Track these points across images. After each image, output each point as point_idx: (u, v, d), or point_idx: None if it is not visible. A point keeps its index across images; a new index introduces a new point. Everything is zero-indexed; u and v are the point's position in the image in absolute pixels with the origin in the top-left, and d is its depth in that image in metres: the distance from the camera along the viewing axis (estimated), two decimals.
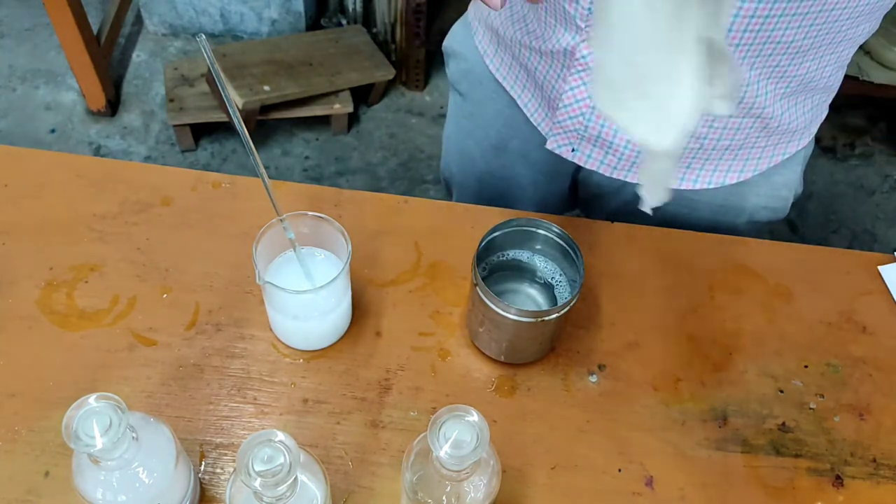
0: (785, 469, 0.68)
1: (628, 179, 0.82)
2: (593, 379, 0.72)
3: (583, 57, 0.73)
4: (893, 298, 0.80)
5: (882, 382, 0.74)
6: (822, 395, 0.73)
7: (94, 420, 0.48)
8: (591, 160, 0.81)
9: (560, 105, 0.78)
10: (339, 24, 2.19)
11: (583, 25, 0.70)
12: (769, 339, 0.76)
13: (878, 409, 0.72)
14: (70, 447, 0.48)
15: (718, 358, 0.74)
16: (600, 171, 0.82)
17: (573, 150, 0.81)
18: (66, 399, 0.50)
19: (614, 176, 0.82)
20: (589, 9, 0.69)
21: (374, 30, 2.13)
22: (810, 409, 0.72)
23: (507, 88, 0.86)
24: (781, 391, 0.73)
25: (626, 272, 0.79)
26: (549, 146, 0.82)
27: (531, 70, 0.81)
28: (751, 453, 0.69)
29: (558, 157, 0.83)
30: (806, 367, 0.74)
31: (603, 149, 0.79)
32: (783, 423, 0.71)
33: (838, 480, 0.68)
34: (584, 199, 0.98)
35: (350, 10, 2.15)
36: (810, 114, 0.80)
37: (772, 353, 0.75)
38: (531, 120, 0.84)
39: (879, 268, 0.82)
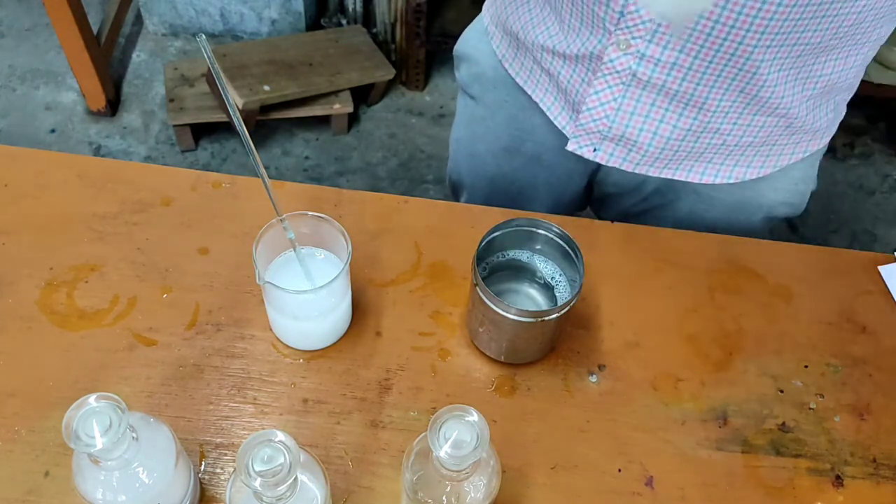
0: (785, 469, 0.68)
1: (650, 174, 0.82)
2: (593, 379, 0.72)
3: (610, 61, 0.73)
4: (893, 298, 0.80)
5: (882, 382, 0.74)
6: (822, 395, 0.73)
7: (94, 420, 0.48)
8: (613, 158, 0.81)
9: (584, 108, 0.78)
10: (339, 24, 2.19)
11: (612, 29, 0.70)
12: (769, 339, 0.76)
13: (878, 409, 0.72)
14: (70, 447, 0.48)
15: (718, 358, 0.74)
16: (623, 168, 0.82)
17: (595, 150, 0.81)
18: (66, 399, 0.50)
19: (637, 171, 0.82)
20: (620, 12, 0.68)
21: (374, 30, 2.13)
22: (810, 409, 0.72)
23: (529, 92, 0.86)
24: (781, 391, 0.73)
25: (626, 272, 0.79)
26: (570, 147, 0.82)
27: (554, 74, 0.80)
28: (751, 453, 0.69)
29: (574, 158, 0.82)
30: (806, 367, 0.74)
31: (626, 147, 0.79)
32: (783, 423, 0.71)
33: (838, 480, 0.68)
34: (599, 197, 0.97)
35: (350, 10, 2.15)
36: (832, 114, 0.81)
37: (772, 353, 0.75)
38: (555, 123, 0.84)
39: (879, 268, 0.82)
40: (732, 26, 0.66)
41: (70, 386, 0.68)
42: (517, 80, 0.86)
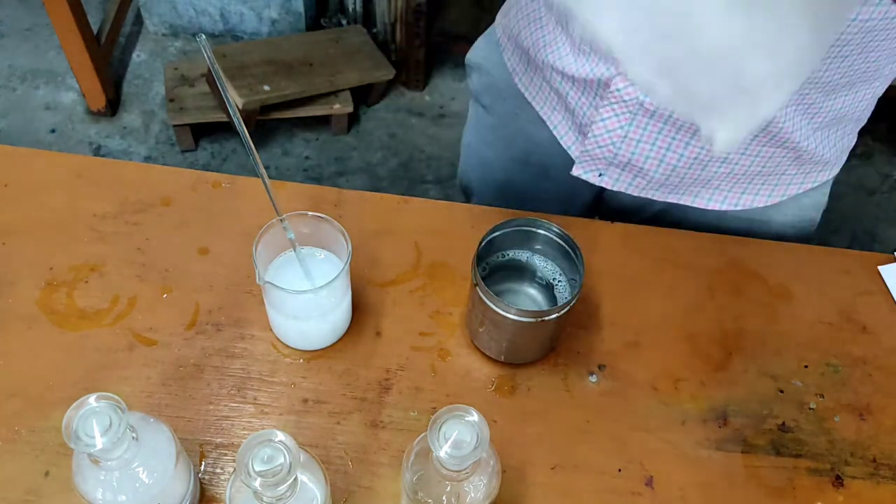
0: (785, 469, 0.68)
1: (656, 198, 0.82)
2: (593, 379, 0.72)
3: (617, 90, 0.73)
4: (893, 298, 0.80)
5: (882, 382, 0.74)
6: (822, 395, 0.73)
7: (94, 420, 0.48)
8: (619, 183, 0.82)
9: (590, 133, 0.78)
10: (339, 24, 2.18)
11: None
12: (769, 339, 0.76)
13: (878, 409, 0.72)
14: (70, 447, 0.48)
15: (718, 358, 0.74)
16: (628, 193, 0.82)
17: (600, 175, 0.82)
18: (66, 399, 0.50)
19: (643, 195, 0.82)
20: None
21: (374, 30, 2.13)
22: (810, 409, 0.72)
23: (537, 108, 0.86)
24: (781, 391, 0.73)
25: (626, 272, 0.79)
26: (574, 172, 0.82)
27: (562, 94, 0.80)
28: (751, 453, 0.69)
29: None
30: (806, 367, 0.74)
31: (632, 172, 0.80)
32: (783, 423, 0.71)
33: (838, 480, 0.68)
34: (607, 213, 0.97)
35: (350, 10, 2.15)
36: (842, 143, 0.80)
37: (772, 353, 0.75)
38: (561, 143, 0.84)
39: (879, 268, 0.82)
40: None
41: (70, 386, 0.68)
42: (526, 95, 0.86)
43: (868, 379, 0.74)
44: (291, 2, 2.12)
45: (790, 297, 0.79)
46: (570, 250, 0.69)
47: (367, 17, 2.16)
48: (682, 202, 0.82)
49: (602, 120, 0.76)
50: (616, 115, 0.75)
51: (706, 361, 0.74)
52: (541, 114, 0.85)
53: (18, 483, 0.62)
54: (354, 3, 2.13)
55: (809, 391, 0.73)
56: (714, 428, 0.70)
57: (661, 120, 0.74)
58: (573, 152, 0.82)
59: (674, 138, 0.75)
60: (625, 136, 0.76)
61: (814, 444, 0.70)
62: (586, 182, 0.88)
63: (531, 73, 0.84)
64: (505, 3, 0.88)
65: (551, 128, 0.84)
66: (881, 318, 0.78)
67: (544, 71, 0.81)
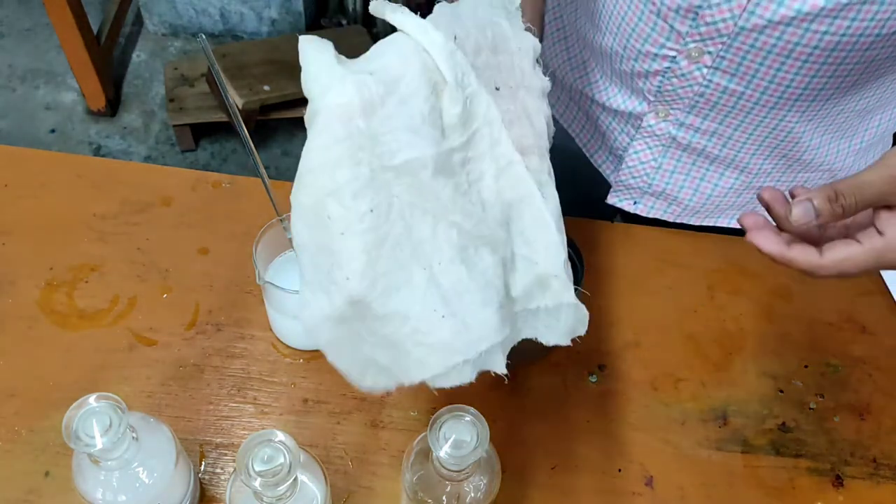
0: (785, 469, 0.68)
1: (692, 223, 0.82)
2: (593, 379, 0.72)
3: (649, 125, 0.74)
4: (893, 298, 0.80)
5: (882, 382, 0.74)
6: (822, 395, 0.73)
7: (94, 420, 0.48)
8: (654, 210, 0.82)
9: (623, 166, 0.79)
10: (339, 24, 2.19)
11: (651, 99, 0.71)
12: (769, 339, 0.76)
13: (878, 409, 0.72)
14: (70, 447, 0.48)
15: (718, 358, 0.74)
16: (664, 219, 0.83)
17: (634, 203, 0.82)
18: (66, 399, 0.50)
19: (678, 221, 0.82)
20: (658, 87, 0.69)
21: (375, 30, 2.13)
22: (810, 409, 0.72)
23: (574, 135, 0.85)
24: (781, 391, 0.73)
25: (626, 272, 0.79)
26: (609, 200, 0.83)
27: (592, 118, 0.81)
28: (751, 453, 0.69)
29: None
30: (806, 367, 0.74)
31: (667, 201, 0.80)
32: (783, 423, 0.71)
33: (838, 480, 0.68)
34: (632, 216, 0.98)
35: (350, 10, 2.15)
36: (876, 151, 0.80)
37: (772, 353, 0.75)
38: (600, 170, 0.85)
39: None
40: (773, 107, 0.66)
41: (70, 386, 0.68)
42: (561, 122, 0.85)
43: (868, 379, 0.74)
44: (291, 2, 2.12)
45: (790, 297, 0.79)
46: (570, 250, 0.69)
47: (367, 17, 2.16)
48: (717, 224, 0.82)
49: (636, 152, 0.77)
50: (649, 147, 0.76)
51: (706, 361, 0.74)
52: (577, 141, 0.85)
53: (18, 483, 0.62)
54: (354, 3, 2.13)
55: (809, 391, 0.73)
56: (714, 428, 0.70)
57: (694, 153, 0.74)
58: (612, 181, 0.83)
59: (707, 170, 0.76)
60: (658, 167, 0.77)
61: (814, 444, 0.70)
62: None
63: (564, 97, 0.84)
64: None
65: (588, 156, 0.85)
66: (881, 318, 0.78)
67: (573, 94, 0.81)
